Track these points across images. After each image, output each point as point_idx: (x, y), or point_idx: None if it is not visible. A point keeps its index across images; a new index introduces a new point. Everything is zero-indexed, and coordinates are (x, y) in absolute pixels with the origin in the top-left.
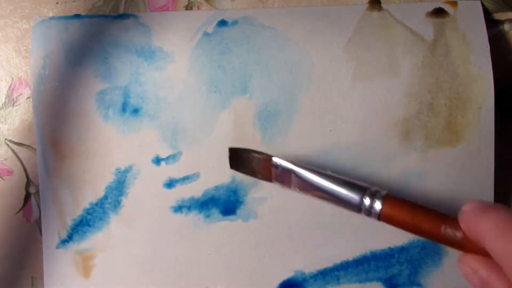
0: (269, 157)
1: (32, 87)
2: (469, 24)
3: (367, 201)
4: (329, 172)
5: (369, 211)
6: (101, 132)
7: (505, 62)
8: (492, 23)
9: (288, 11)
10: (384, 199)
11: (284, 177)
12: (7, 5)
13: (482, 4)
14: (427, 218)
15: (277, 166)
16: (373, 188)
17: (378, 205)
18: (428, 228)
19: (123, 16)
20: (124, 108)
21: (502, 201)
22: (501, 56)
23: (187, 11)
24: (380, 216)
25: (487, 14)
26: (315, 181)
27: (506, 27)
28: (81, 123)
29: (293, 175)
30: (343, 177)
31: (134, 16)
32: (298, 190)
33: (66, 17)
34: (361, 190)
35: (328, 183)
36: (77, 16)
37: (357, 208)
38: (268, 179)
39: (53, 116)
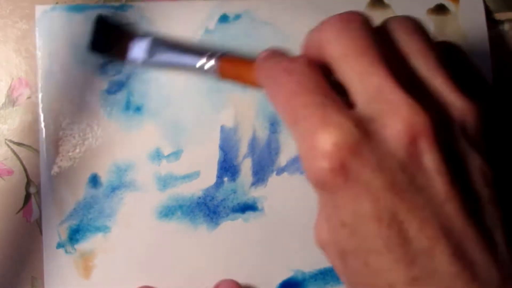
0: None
1: (40, 84)
2: (470, 22)
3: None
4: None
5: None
6: (104, 130)
7: (505, 62)
8: (492, 23)
9: (289, 6)
10: (220, 56)
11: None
12: (7, 5)
13: (484, 2)
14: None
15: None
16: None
17: (214, 61)
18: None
19: (124, 7)
20: (127, 106)
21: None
22: (501, 56)
23: (189, 0)
24: (217, 69)
25: (488, 14)
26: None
27: (506, 27)
28: (84, 120)
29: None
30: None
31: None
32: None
33: (70, 7)
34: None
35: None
36: (81, 6)
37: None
38: (123, 55)
39: (57, 114)
